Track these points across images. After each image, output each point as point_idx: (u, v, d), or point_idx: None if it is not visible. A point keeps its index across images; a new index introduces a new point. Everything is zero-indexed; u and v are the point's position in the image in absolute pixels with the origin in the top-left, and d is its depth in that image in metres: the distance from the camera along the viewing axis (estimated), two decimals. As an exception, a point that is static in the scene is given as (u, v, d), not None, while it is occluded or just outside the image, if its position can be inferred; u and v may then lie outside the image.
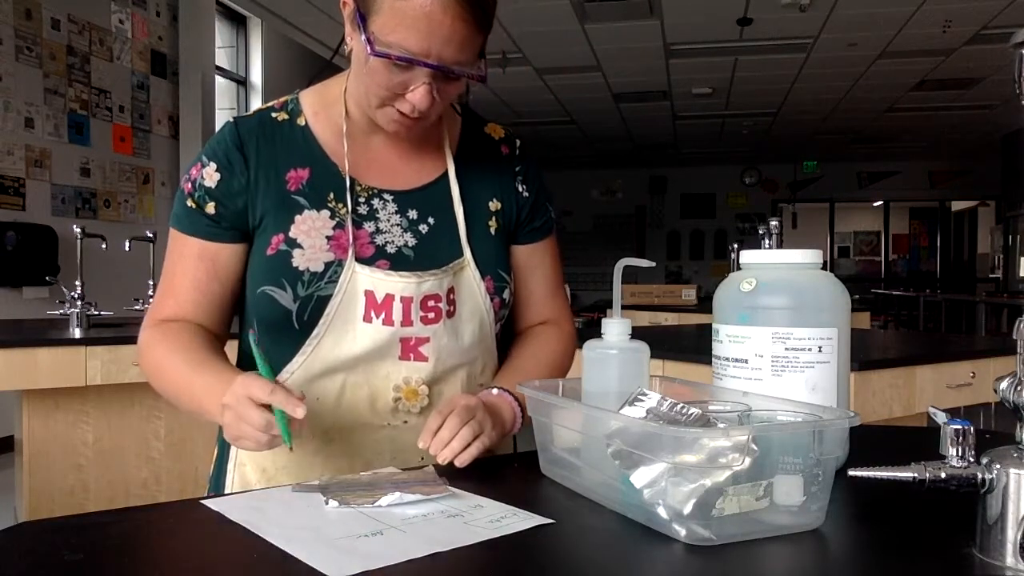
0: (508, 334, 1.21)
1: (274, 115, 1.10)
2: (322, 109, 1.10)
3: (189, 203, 1.06)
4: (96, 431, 3.12)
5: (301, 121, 1.09)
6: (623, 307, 0.97)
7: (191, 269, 1.07)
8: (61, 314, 3.21)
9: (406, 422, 1.06)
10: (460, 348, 1.08)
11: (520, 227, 1.17)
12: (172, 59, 6.80)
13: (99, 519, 0.76)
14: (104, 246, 3.50)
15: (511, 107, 9.28)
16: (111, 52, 6.14)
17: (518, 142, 1.20)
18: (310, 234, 1.03)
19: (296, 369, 1.04)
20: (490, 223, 1.13)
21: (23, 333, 3.14)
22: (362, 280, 1.02)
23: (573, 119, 10.40)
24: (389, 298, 1.03)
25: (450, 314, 1.07)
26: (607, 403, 0.87)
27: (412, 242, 1.07)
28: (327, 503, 0.79)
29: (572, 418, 0.89)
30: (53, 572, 0.64)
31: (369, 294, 1.02)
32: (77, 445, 3.09)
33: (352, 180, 1.07)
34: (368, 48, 0.93)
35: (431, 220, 1.09)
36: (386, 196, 1.08)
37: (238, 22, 7.96)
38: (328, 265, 1.02)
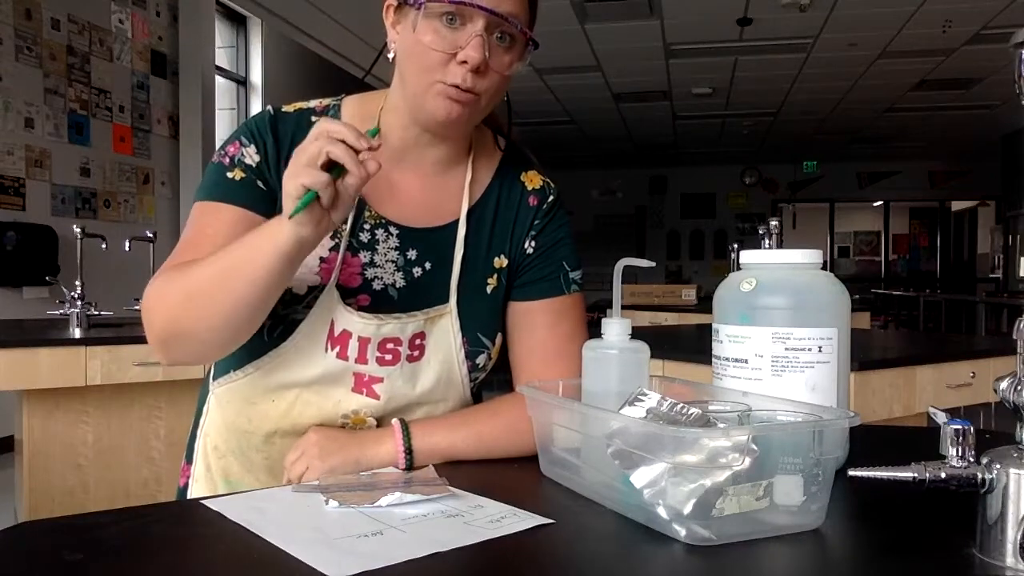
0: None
1: (313, 118, 1.07)
2: (359, 123, 1.06)
3: (231, 174, 1.01)
4: (96, 431, 3.12)
5: None
6: (623, 307, 0.97)
7: (224, 229, 0.97)
8: (61, 314, 3.21)
9: None
10: (416, 392, 1.05)
11: (512, 282, 1.10)
12: (172, 59, 6.79)
13: (99, 519, 0.76)
14: (104, 246, 3.50)
15: (511, 107, 9.25)
16: (111, 52, 6.14)
17: (551, 197, 1.12)
18: None
19: (261, 367, 1.03)
20: (489, 280, 1.08)
21: (23, 333, 3.14)
22: (331, 309, 1.00)
23: (573, 119, 10.40)
24: (346, 334, 1.01)
25: (412, 358, 1.03)
26: (607, 403, 0.87)
27: (401, 283, 1.04)
28: (327, 503, 0.79)
29: (572, 418, 0.88)
30: (53, 572, 0.64)
31: (331, 323, 1.01)
32: (77, 445, 3.09)
33: (363, 204, 1.04)
34: (418, 8, 0.94)
35: (427, 265, 1.05)
36: (392, 229, 1.05)
37: (238, 22, 7.96)
38: (311, 290, 1.01)
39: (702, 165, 14.00)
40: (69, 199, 5.74)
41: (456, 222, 1.07)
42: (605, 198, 14.60)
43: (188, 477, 1.14)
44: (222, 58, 7.70)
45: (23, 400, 3.02)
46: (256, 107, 8.02)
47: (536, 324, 1.09)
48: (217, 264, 0.90)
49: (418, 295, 1.04)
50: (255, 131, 1.03)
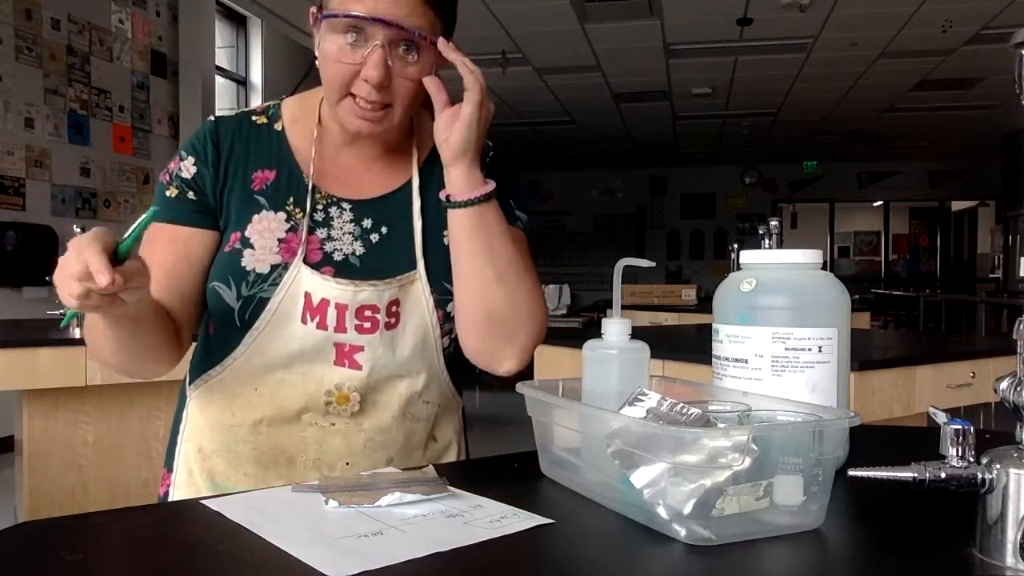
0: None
1: (254, 118, 1.13)
2: (300, 117, 1.13)
3: (168, 192, 1.07)
4: (96, 431, 3.12)
5: (278, 126, 1.12)
6: (623, 307, 0.97)
7: (159, 252, 1.05)
8: (61, 314, 3.21)
9: (334, 424, 1.08)
10: (396, 361, 1.08)
11: None
12: (172, 59, 6.80)
13: (99, 519, 0.76)
14: (104, 246, 3.50)
15: (511, 107, 9.28)
16: (111, 52, 6.14)
17: (491, 153, 1.16)
18: (263, 235, 1.05)
19: (239, 357, 1.07)
20: (445, 232, 1.10)
21: (23, 333, 3.14)
22: (304, 282, 1.04)
23: (573, 119, 10.40)
24: (324, 302, 1.04)
25: (389, 326, 1.07)
26: (607, 403, 0.87)
27: (360, 251, 1.07)
28: (327, 503, 0.79)
29: (572, 418, 0.89)
30: (53, 572, 0.64)
31: (308, 296, 1.04)
32: (77, 445, 3.09)
33: (314, 187, 1.09)
34: (319, 18, 0.99)
35: (384, 230, 1.09)
36: (344, 204, 1.09)
37: (238, 22, 7.96)
38: (274, 268, 1.04)
39: (702, 165, 13.98)
40: (69, 199, 5.75)
41: (405, 186, 1.12)
42: (605, 198, 14.59)
43: (169, 485, 1.15)
44: (222, 58, 7.70)
45: (23, 400, 3.02)
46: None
47: None
48: (89, 319, 0.98)
49: (382, 259, 1.08)
50: (195, 143, 1.10)
